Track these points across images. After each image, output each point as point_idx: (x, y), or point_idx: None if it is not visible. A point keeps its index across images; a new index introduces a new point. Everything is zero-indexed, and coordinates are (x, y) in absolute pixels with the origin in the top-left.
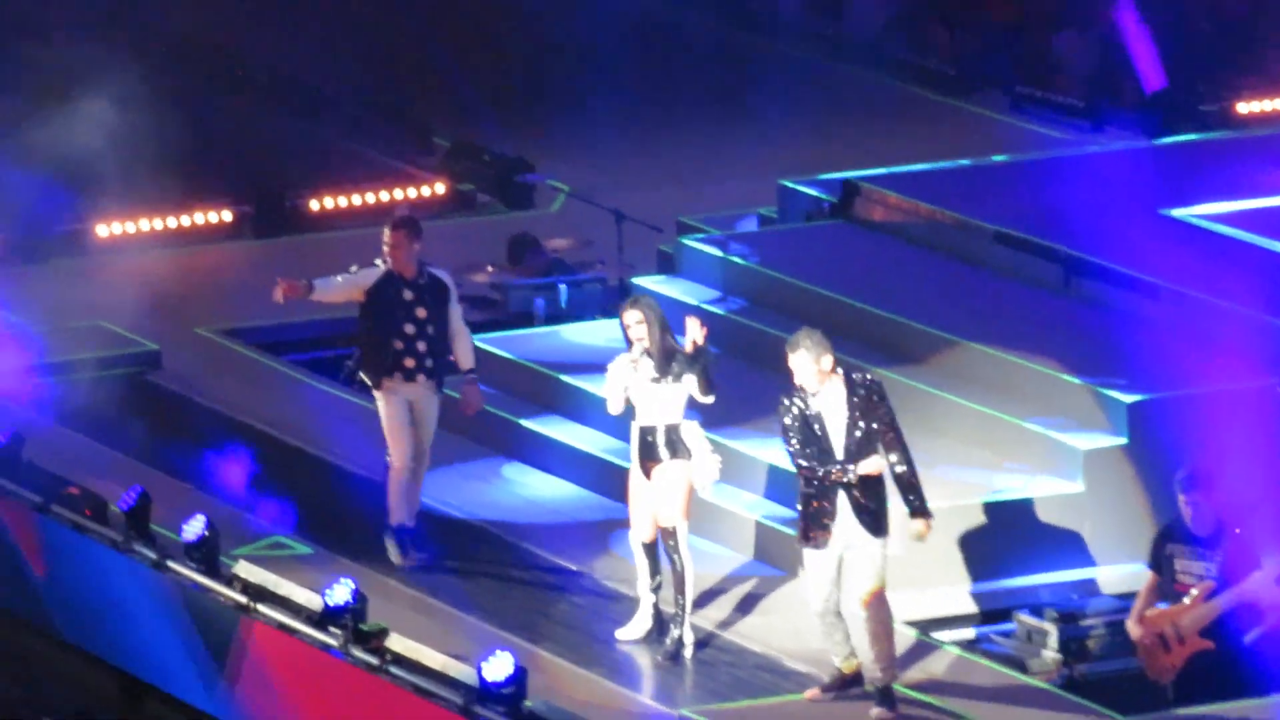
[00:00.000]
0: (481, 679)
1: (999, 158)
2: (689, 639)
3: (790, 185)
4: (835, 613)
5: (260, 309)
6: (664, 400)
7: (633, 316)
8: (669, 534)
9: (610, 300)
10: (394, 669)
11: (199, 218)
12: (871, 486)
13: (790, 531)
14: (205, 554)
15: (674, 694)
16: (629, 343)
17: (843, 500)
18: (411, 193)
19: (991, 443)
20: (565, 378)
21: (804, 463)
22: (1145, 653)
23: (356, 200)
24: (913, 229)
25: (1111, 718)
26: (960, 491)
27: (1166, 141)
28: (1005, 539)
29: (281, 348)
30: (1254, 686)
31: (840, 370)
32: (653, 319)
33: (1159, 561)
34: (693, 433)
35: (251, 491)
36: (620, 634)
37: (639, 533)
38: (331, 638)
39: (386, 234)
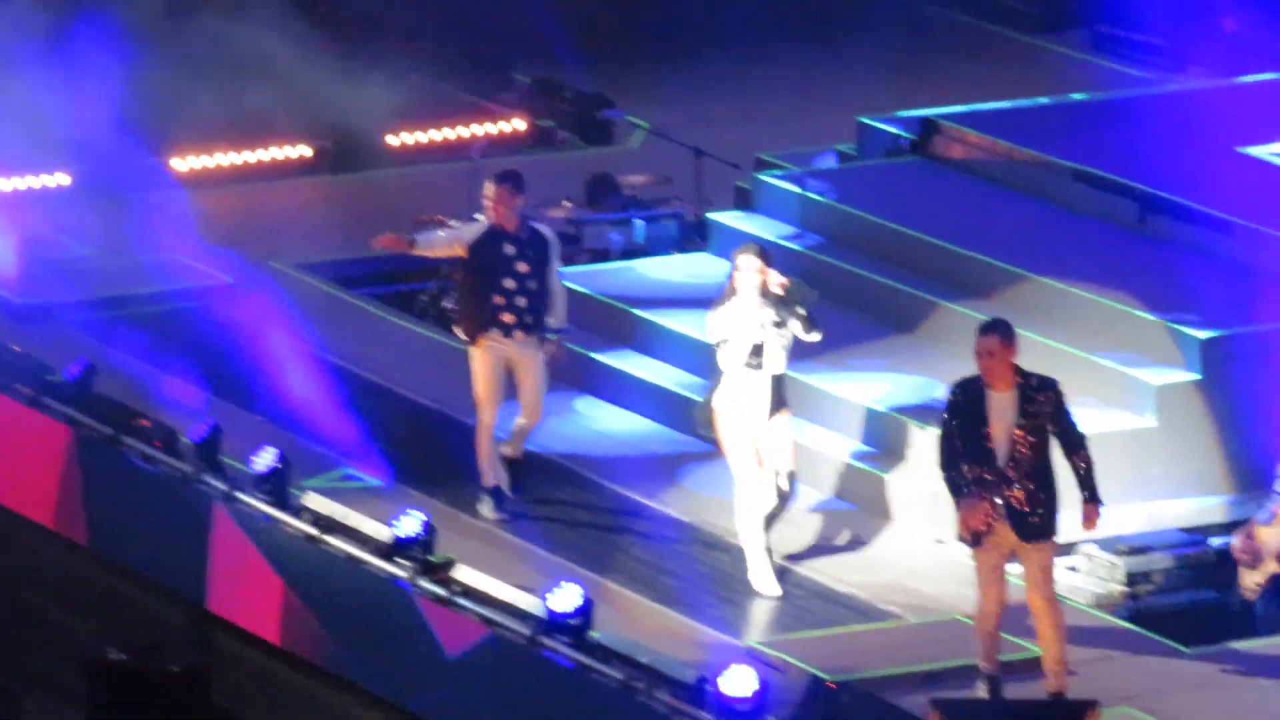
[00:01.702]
0: (549, 610)
1: (1078, 96)
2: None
3: (869, 122)
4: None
5: (335, 244)
6: (786, 345)
7: (753, 263)
8: (791, 478)
9: (686, 236)
10: (462, 600)
11: (276, 152)
12: (1033, 491)
13: (867, 468)
14: (275, 486)
15: (741, 626)
16: (732, 290)
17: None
18: (491, 129)
19: (1064, 378)
20: (639, 312)
21: (963, 463)
22: (1240, 566)
23: (436, 136)
24: (991, 167)
25: (1176, 649)
26: None
27: (1248, 80)
28: None
29: (355, 282)
30: None
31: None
32: (769, 264)
33: None
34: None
35: (322, 424)
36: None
37: (760, 483)
38: (400, 569)
39: (488, 188)
